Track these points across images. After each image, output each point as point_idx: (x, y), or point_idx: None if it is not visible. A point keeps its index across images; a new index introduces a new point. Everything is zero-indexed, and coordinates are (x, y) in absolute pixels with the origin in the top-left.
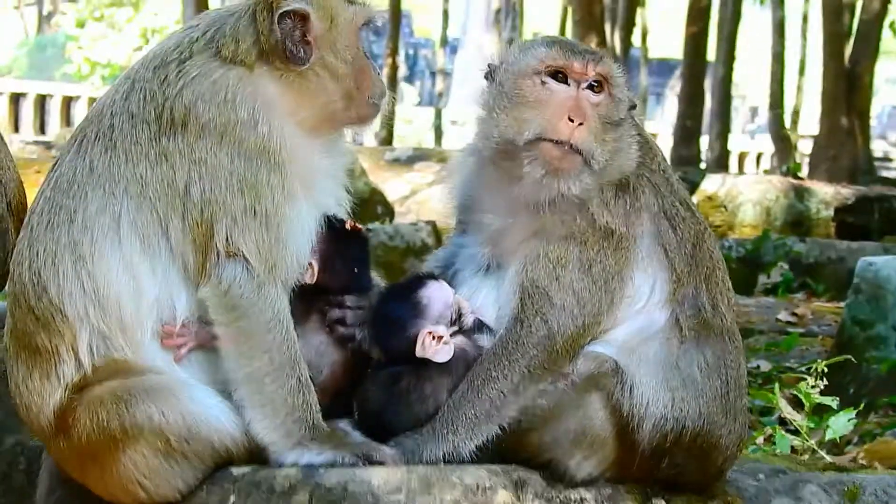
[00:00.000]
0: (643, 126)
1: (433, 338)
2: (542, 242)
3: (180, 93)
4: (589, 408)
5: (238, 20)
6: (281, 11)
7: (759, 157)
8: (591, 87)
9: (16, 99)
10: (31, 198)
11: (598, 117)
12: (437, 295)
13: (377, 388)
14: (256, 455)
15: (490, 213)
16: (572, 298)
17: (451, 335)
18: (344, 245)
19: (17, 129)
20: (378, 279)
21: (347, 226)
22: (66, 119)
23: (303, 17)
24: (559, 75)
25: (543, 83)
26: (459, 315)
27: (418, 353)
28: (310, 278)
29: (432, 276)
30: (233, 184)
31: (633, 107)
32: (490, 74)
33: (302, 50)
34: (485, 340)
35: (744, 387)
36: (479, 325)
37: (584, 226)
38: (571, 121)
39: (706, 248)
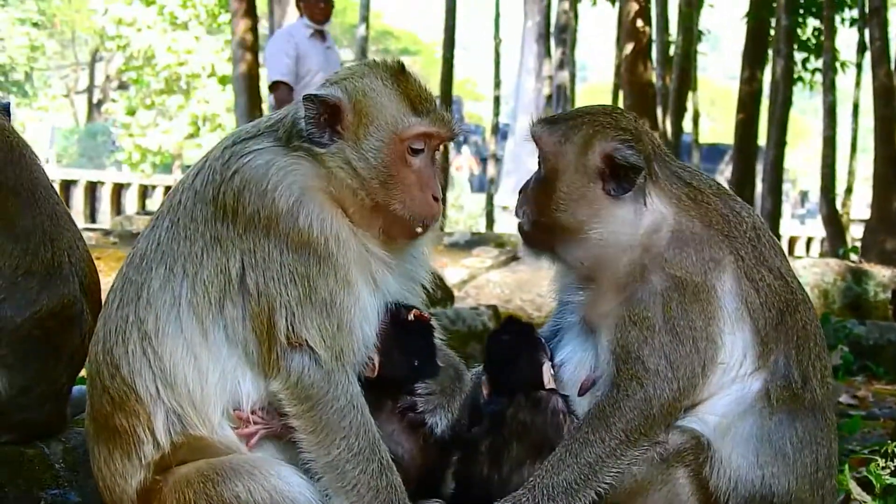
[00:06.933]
0: (738, 198)
1: (550, 370)
2: (623, 307)
3: (232, 178)
4: (676, 483)
5: (300, 107)
6: (310, 95)
7: (808, 241)
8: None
9: (66, 186)
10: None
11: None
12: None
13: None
14: None
15: (575, 288)
16: (664, 362)
17: None
18: (403, 336)
19: None
20: (455, 359)
21: (411, 315)
22: (117, 207)
23: (332, 106)
24: None
25: None
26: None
27: (546, 381)
28: (370, 372)
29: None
30: (284, 275)
31: (637, 171)
32: None
33: (325, 135)
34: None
35: (834, 466)
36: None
37: (656, 283)
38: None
39: (798, 318)
